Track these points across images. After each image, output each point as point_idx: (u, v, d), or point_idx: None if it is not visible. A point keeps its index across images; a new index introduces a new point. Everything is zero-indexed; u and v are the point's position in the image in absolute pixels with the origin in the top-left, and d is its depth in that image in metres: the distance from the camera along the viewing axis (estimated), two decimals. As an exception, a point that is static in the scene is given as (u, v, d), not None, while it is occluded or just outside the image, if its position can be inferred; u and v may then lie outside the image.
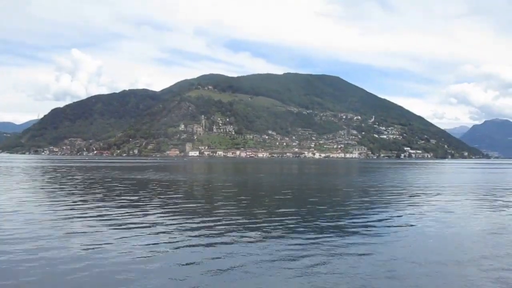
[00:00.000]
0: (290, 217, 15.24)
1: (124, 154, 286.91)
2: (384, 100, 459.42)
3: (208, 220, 14.45)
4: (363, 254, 10.15)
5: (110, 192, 23.42)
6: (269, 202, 20.32)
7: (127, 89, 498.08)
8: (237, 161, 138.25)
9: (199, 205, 18.74)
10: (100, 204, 18.40)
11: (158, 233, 12.30)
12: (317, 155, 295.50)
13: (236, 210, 16.86)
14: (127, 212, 16.00)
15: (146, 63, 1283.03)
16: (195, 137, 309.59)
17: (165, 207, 17.63)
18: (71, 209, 16.51)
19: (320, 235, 12.23)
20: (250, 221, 14.44)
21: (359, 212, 17.09)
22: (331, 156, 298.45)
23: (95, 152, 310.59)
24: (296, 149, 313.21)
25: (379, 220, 15.04)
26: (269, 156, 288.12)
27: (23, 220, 13.82)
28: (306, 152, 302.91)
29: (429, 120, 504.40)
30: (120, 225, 13.42)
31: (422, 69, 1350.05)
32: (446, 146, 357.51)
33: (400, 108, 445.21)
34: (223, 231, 12.56)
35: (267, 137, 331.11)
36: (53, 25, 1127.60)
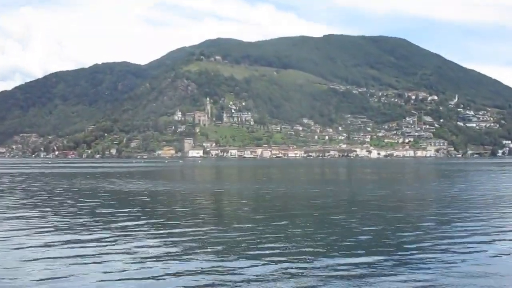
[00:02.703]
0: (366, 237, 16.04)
1: (98, 155, 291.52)
2: (472, 71, 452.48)
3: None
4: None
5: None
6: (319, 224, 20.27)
7: (100, 62, 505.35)
8: (258, 164, 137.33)
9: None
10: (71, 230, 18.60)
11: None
12: (374, 153, 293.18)
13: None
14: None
15: (127, 25, 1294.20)
16: (198, 130, 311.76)
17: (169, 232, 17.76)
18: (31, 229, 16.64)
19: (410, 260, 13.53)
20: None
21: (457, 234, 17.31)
22: (395, 154, 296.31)
23: (56, 153, 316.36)
24: (344, 146, 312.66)
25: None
26: (305, 155, 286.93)
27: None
28: (358, 150, 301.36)
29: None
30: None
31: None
32: None
33: (496, 82, 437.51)
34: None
35: (301, 128, 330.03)
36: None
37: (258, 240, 16.40)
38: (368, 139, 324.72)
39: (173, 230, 18.52)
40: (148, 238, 17.08)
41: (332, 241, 16.44)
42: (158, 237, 17.38)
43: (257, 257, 13.79)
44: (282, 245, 15.49)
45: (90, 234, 17.83)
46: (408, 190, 39.09)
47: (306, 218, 22.77)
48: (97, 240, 16.65)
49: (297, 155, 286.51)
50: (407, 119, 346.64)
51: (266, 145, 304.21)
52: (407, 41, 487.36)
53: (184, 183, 49.15)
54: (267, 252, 14.58)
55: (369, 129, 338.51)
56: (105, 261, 13.48)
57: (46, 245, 15.84)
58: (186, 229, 18.67)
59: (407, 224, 20.17)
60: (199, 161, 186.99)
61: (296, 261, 13.38)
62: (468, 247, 15.24)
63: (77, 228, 19.24)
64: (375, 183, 50.62)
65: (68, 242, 16.36)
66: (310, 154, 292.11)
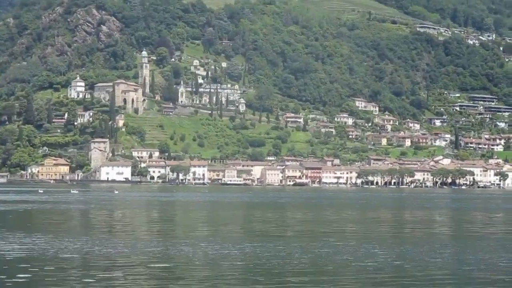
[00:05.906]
0: None
1: None
2: None
3: None
4: None
5: None
6: None
7: None
8: (255, 205, 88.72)
9: None
10: None
11: None
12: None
13: None
14: None
15: None
16: (122, 123, 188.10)
17: None
18: None
19: None
20: None
21: None
22: None
23: None
24: (446, 161, 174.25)
25: None
26: (359, 182, 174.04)
27: None
28: (477, 170, 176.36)
29: None
30: None
31: None
32: None
33: None
34: None
35: (350, 121, 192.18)
36: None
37: None
38: (499, 148, 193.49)
39: None
40: None
41: None
42: None
43: None
44: None
45: None
46: None
47: None
48: None
49: (342, 181, 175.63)
50: None
51: (273, 158, 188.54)
52: None
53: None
54: None
55: (501, 125, 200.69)
56: None
57: None
58: None
59: None
60: (116, 191, 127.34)
61: None
62: None
63: None
64: None
65: None
66: (368, 178, 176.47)
